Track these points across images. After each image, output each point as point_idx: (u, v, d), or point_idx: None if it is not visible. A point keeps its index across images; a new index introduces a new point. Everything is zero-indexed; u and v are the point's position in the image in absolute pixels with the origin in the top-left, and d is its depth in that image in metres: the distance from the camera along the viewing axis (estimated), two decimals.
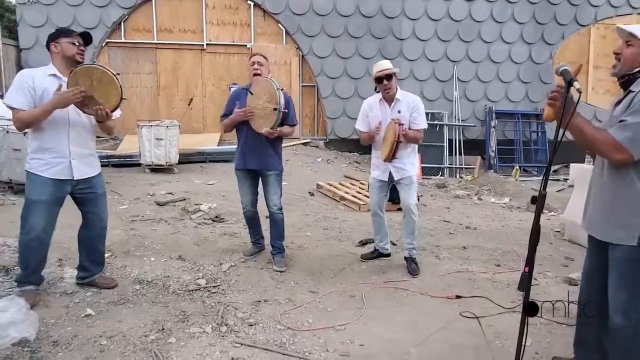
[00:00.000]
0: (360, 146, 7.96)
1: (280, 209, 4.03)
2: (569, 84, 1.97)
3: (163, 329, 2.86)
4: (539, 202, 1.97)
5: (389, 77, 3.81)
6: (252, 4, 10.41)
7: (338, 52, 10.60)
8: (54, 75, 3.04)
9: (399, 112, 3.87)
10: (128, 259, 4.00)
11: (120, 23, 10.11)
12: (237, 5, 10.49)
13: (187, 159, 8.72)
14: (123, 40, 10.23)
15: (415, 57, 10.79)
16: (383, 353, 2.72)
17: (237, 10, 10.51)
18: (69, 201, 3.22)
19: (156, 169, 8.02)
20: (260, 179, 4.05)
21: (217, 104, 10.69)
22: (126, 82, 10.40)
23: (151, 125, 8.01)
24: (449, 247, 4.76)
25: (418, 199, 6.41)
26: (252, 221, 4.21)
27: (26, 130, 3.08)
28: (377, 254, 4.29)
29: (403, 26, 10.68)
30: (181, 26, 10.39)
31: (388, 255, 4.30)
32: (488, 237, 5.26)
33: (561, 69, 2.02)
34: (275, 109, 3.66)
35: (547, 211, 6.54)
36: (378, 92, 3.99)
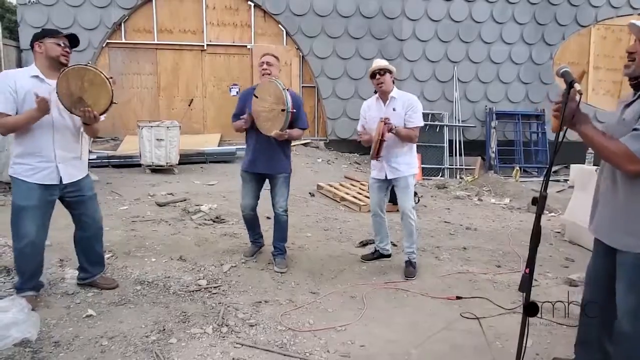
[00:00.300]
0: (361, 147, 7.95)
1: (286, 211, 4.02)
2: (570, 85, 1.93)
3: (164, 330, 2.86)
4: (539, 203, 1.96)
5: (381, 72, 3.82)
6: (252, 4, 10.41)
7: (338, 52, 10.61)
8: (37, 76, 2.93)
9: (393, 109, 3.87)
10: (129, 260, 4.00)
11: (120, 24, 10.12)
12: (238, 6, 10.49)
13: (188, 159, 8.72)
14: (123, 40, 10.23)
15: (415, 58, 10.79)
16: (383, 354, 2.73)
17: (237, 11, 10.52)
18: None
19: (156, 170, 8.02)
20: (266, 181, 4.03)
21: (217, 105, 10.71)
22: (126, 83, 10.42)
23: (151, 126, 8.02)
24: (450, 248, 4.76)
25: (418, 200, 6.45)
26: (252, 223, 4.18)
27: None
28: (378, 255, 4.29)
29: (403, 27, 10.69)
30: (181, 27, 10.39)
31: (389, 256, 4.30)
32: (488, 238, 5.26)
33: (562, 71, 2.00)
34: (283, 110, 3.58)
35: (547, 212, 6.54)
36: (376, 92, 4.01)
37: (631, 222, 2.04)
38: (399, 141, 3.83)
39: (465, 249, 4.77)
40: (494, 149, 10.69)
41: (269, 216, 5.05)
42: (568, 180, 6.63)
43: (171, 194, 6.46)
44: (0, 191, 6.11)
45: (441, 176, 10.37)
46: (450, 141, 10.78)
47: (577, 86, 1.91)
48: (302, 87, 10.81)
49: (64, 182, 3.02)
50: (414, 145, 4.02)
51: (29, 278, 3.06)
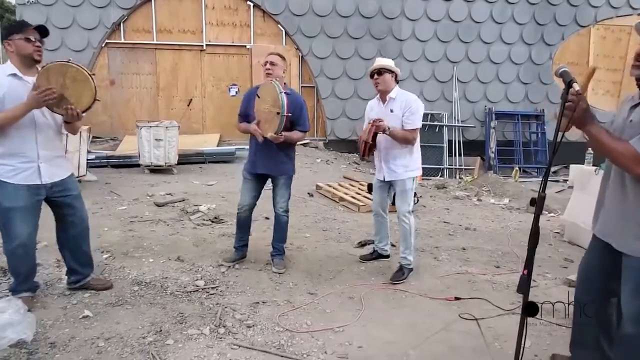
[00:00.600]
0: None
1: (287, 211, 3.99)
2: (568, 85, 1.92)
3: (161, 331, 2.85)
4: (538, 203, 1.95)
5: (379, 72, 3.81)
6: (251, 4, 10.41)
7: (338, 52, 10.60)
8: (14, 75, 2.82)
9: (391, 111, 3.85)
10: (126, 260, 3.98)
11: (119, 24, 10.11)
12: (237, 5, 10.48)
13: (187, 159, 8.70)
14: (122, 40, 10.23)
15: (414, 58, 10.79)
16: (382, 355, 2.71)
17: (236, 11, 10.51)
18: None
19: (155, 170, 8.00)
20: (267, 182, 4.02)
21: (216, 105, 10.70)
22: (125, 83, 10.42)
23: (150, 126, 8.00)
24: (449, 249, 4.75)
25: (417, 201, 6.42)
26: (244, 224, 4.07)
27: None
28: (376, 255, 4.28)
29: (403, 27, 10.69)
30: (181, 27, 10.39)
31: (387, 256, 4.28)
32: (487, 238, 5.25)
33: (560, 71, 1.98)
34: (278, 113, 3.55)
35: (546, 212, 6.53)
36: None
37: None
38: (396, 143, 3.80)
39: (464, 249, 4.76)
40: (493, 149, 10.69)
41: (267, 217, 5.05)
42: (567, 180, 6.61)
43: (170, 194, 6.44)
44: None
45: (440, 176, 10.37)
46: (450, 141, 10.78)
47: (575, 86, 1.90)
48: (302, 87, 10.80)
49: (44, 182, 2.92)
50: (416, 148, 3.91)
51: (24, 279, 3.03)
